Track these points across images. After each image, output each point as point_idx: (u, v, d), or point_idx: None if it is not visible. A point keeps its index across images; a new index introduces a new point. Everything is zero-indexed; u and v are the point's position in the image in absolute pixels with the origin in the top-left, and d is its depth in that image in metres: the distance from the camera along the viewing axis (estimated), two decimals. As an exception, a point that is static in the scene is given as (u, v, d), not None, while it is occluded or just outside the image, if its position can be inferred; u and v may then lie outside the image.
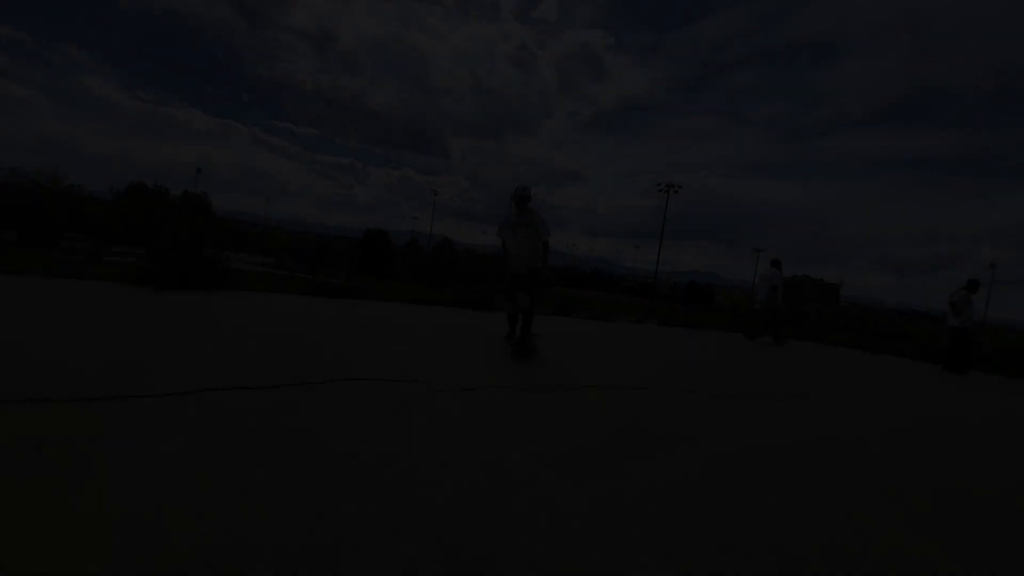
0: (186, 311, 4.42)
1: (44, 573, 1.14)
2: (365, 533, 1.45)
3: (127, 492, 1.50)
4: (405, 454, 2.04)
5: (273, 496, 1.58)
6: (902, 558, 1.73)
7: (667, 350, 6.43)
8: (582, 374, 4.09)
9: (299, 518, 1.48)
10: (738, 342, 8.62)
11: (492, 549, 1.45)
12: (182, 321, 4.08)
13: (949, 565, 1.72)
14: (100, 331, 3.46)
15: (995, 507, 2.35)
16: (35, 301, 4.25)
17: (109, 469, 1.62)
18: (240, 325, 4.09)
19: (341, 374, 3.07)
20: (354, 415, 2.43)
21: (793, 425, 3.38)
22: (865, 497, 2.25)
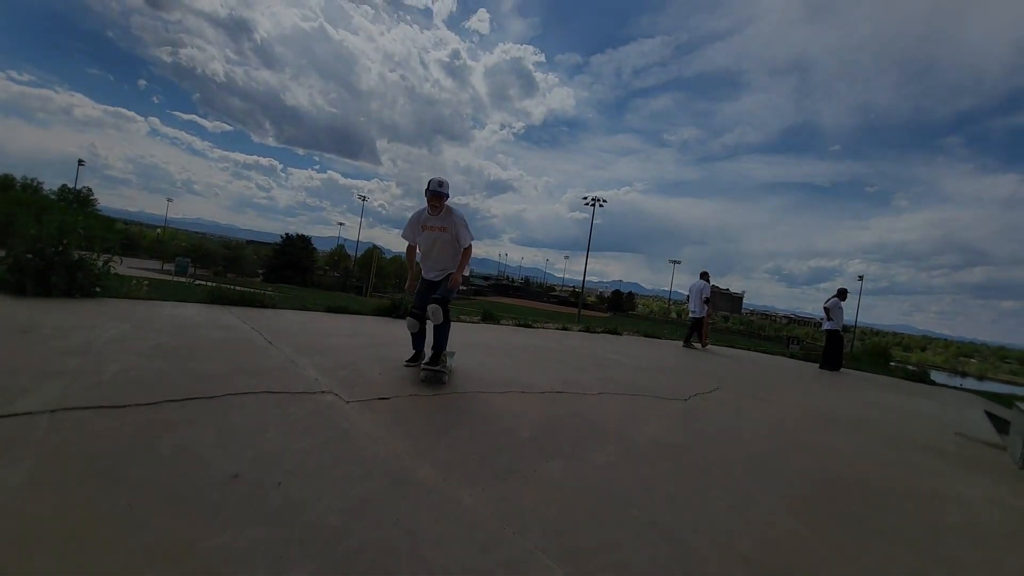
0: (48, 322, 3.81)
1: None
2: (239, 566, 1.32)
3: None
4: (302, 472, 1.91)
5: (132, 527, 1.39)
6: (779, 538, 1.93)
7: (587, 354, 6.68)
8: (500, 379, 4.11)
9: (161, 552, 1.32)
10: (653, 346, 9.18)
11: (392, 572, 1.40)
12: (42, 333, 3.50)
13: (817, 542, 1.96)
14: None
15: (858, 492, 2.72)
16: None
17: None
18: (116, 337, 3.60)
19: (239, 388, 2.81)
20: (247, 433, 2.22)
21: (695, 421, 3.68)
22: (748, 483, 2.49)
